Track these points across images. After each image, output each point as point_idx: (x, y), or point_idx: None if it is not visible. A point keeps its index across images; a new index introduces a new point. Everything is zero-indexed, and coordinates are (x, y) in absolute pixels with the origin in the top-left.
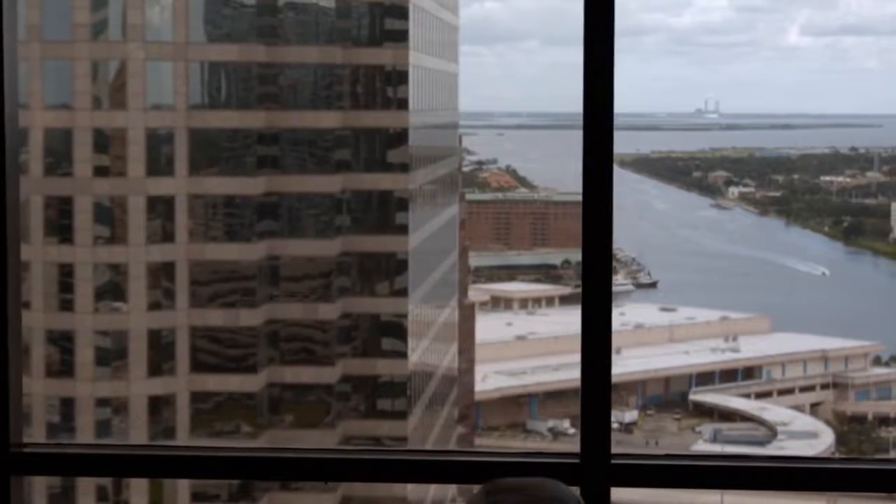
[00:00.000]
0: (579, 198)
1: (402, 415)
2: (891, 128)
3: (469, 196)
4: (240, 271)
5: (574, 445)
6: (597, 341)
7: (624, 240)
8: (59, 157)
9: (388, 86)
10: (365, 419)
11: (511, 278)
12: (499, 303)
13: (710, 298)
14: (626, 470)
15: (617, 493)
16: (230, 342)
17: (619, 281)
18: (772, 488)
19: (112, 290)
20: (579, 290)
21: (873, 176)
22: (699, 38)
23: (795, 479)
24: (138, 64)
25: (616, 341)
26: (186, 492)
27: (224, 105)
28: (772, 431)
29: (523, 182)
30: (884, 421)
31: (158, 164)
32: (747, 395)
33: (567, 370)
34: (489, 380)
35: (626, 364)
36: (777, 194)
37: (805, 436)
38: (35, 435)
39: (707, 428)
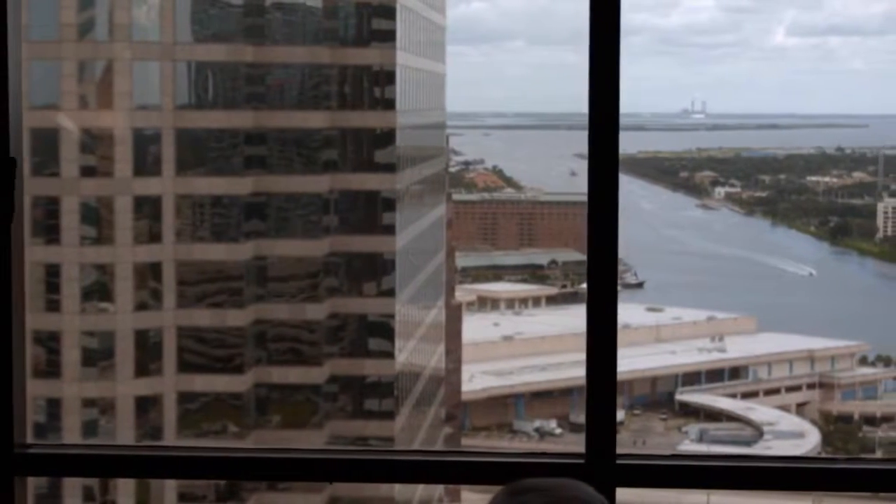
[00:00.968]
0: (566, 198)
1: (389, 415)
2: (877, 128)
3: (456, 196)
4: (227, 271)
5: (561, 445)
6: (602, 341)
7: None
8: (45, 157)
9: (376, 86)
10: (352, 419)
11: (498, 278)
12: (485, 303)
13: (697, 298)
14: (631, 470)
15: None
16: (217, 342)
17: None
18: (778, 489)
19: (99, 290)
20: (566, 290)
21: (860, 176)
22: (686, 38)
23: (797, 479)
24: (125, 64)
25: None
26: (173, 492)
27: (211, 105)
28: (758, 431)
29: (510, 182)
30: (870, 420)
31: (145, 164)
32: (734, 395)
33: (554, 370)
34: (476, 380)
35: None
36: (763, 194)
37: (791, 436)
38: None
39: (693, 428)
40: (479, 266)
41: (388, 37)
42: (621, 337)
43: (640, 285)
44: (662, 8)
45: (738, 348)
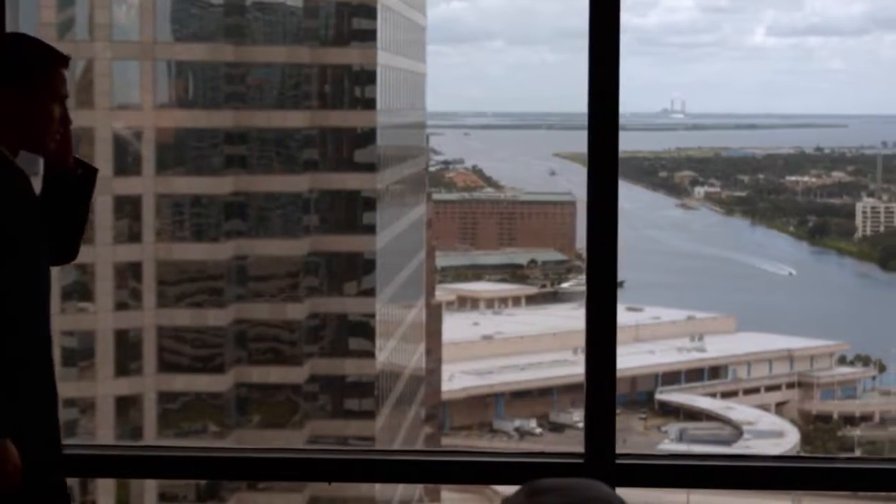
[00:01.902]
0: (545, 198)
1: (369, 414)
2: (856, 128)
3: (436, 196)
4: (207, 271)
5: (541, 445)
6: (602, 341)
7: None
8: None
9: (356, 85)
10: (332, 419)
11: (477, 278)
12: (465, 302)
13: (676, 298)
14: (630, 470)
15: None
16: (198, 342)
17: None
18: (777, 488)
19: (79, 290)
20: (546, 289)
21: (838, 175)
22: (665, 38)
23: (800, 479)
24: (105, 63)
25: (582, 340)
26: (153, 492)
27: (191, 104)
28: (737, 431)
29: (490, 182)
30: (849, 420)
31: (125, 163)
32: (713, 395)
33: (533, 370)
34: (456, 379)
35: None
36: (742, 194)
37: (770, 435)
38: None
39: (673, 427)
40: (458, 266)
41: (369, 36)
42: None
43: (619, 285)
44: (641, 8)
45: (717, 348)
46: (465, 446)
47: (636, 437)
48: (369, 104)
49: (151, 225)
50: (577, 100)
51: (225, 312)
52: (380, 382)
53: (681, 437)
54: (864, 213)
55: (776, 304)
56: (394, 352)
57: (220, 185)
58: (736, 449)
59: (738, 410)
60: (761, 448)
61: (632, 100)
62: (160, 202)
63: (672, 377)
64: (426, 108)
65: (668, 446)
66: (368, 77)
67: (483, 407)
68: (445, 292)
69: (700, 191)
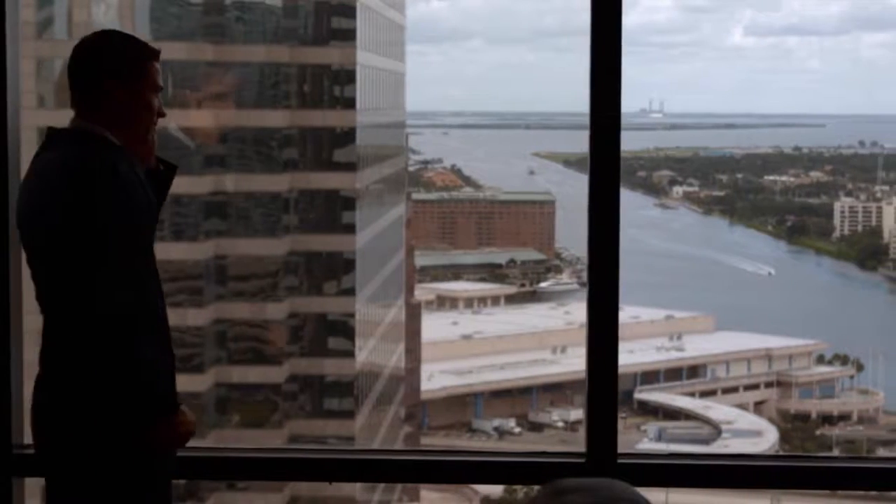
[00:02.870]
0: (524, 197)
1: (349, 414)
2: (834, 127)
3: (415, 195)
4: (186, 270)
5: (520, 444)
6: (603, 341)
7: (569, 239)
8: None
9: (336, 85)
10: (312, 419)
11: (456, 277)
12: (444, 302)
13: (655, 297)
14: (632, 469)
15: None
16: (177, 342)
17: (564, 280)
18: (781, 487)
19: None
20: (525, 289)
21: (817, 175)
22: (643, 37)
23: (802, 478)
24: None
25: (561, 340)
26: None
27: (171, 104)
28: (716, 430)
29: (468, 181)
30: (827, 419)
31: None
32: (692, 394)
33: (512, 369)
34: (435, 379)
35: (571, 363)
36: (721, 193)
37: (749, 434)
38: None
39: (652, 426)
40: (437, 265)
41: (348, 36)
42: (578, 336)
43: None
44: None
45: (696, 347)
46: (444, 446)
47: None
48: (349, 104)
49: None
50: (555, 99)
51: (204, 312)
52: (359, 382)
53: (660, 437)
54: (843, 212)
55: (755, 304)
56: (373, 351)
57: (200, 185)
58: (714, 448)
59: (717, 409)
60: (740, 447)
61: None
62: None
63: (651, 376)
64: (406, 107)
65: (648, 445)
66: (348, 76)
67: (462, 406)
68: (424, 292)
69: (678, 190)
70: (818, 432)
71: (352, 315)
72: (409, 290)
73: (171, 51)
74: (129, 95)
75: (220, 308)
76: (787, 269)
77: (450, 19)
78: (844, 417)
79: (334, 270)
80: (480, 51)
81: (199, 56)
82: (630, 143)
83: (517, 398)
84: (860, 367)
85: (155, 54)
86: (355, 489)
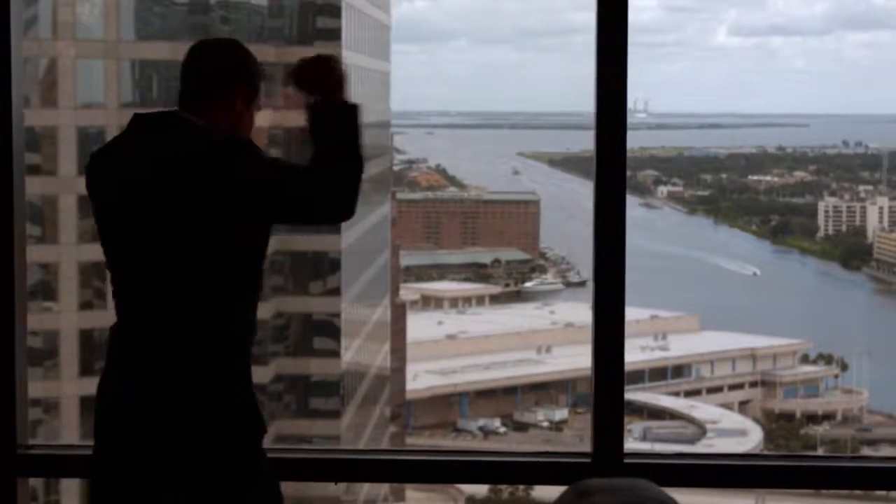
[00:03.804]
0: (509, 197)
1: (335, 414)
2: (818, 127)
3: (400, 195)
4: None
5: (504, 444)
6: (609, 341)
7: (553, 239)
8: None
9: None
10: (297, 418)
11: (441, 277)
12: (429, 302)
13: (640, 297)
14: (638, 469)
15: (548, 490)
16: None
17: (549, 280)
18: (784, 486)
19: (43, 289)
20: (509, 289)
21: (801, 175)
22: (629, 37)
23: (787, 477)
24: (69, 62)
25: (546, 339)
26: None
27: (156, 103)
28: (701, 429)
29: (453, 181)
30: (811, 418)
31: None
32: (677, 394)
33: (497, 369)
34: (420, 379)
35: (556, 363)
36: (705, 193)
37: (734, 433)
38: None
39: (637, 426)
40: (422, 265)
41: (333, 35)
42: (562, 336)
43: (582, 284)
44: None
45: (680, 347)
46: (429, 445)
47: None
48: None
49: None
50: (540, 99)
51: None
52: (345, 382)
53: (645, 436)
54: (827, 212)
55: (739, 303)
56: (359, 351)
57: None
58: (699, 448)
59: (702, 409)
60: (724, 446)
61: None
62: None
63: (636, 376)
64: (390, 106)
65: (632, 445)
66: None
67: (447, 406)
68: (409, 291)
69: (663, 190)
70: (802, 431)
71: (337, 315)
72: (395, 290)
73: (156, 51)
74: (245, 107)
75: None
76: (771, 268)
77: (434, 19)
78: (829, 416)
79: (320, 270)
80: (465, 51)
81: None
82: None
83: (502, 398)
84: (844, 367)
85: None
86: (339, 489)
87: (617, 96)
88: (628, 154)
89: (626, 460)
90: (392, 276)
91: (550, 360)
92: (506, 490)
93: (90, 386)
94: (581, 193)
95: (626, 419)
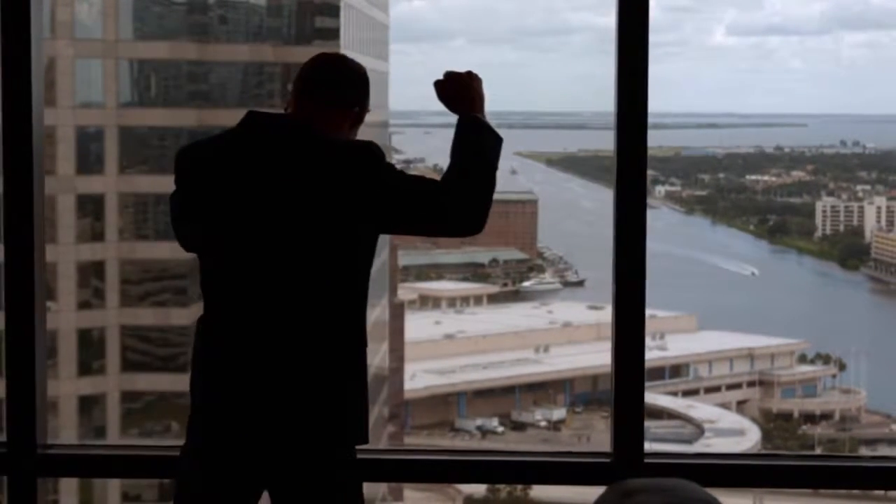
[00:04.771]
0: (506, 196)
1: None
2: (815, 127)
3: None
4: (171, 270)
5: (502, 443)
6: (630, 341)
7: (551, 238)
8: None
9: None
10: None
11: (439, 277)
12: (427, 301)
13: None
14: (659, 469)
15: (546, 490)
16: (161, 341)
17: (547, 279)
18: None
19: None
20: (507, 288)
21: (798, 175)
22: None
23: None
24: (67, 61)
25: (544, 339)
26: (117, 492)
27: (154, 103)
28: (699, 429)
29: None
30: (809, 418)
31: (88, 162)
32: (674, 393)
33: (495, 369)
34: (418, 378)
35: (554, 362)
36: (703, 193)
37: (731, 433)
38: None
39: None
40: (420, 264)
41: (332, 35)
42: (560, 335)
43: (581, 283)
44: (603, 7)
45: (678, 347)
46: (427, 445)
47: (599, 434)
48: None
49: (114, 224)
50: (538, 99)
51: (188, 311)
52: None
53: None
54: (824, 212)
55: (737, 303)
56: None
57: None
58: (697, 447)
59: (700, 409)
60: (722, 446)
61: (593, 99)
62: (123, 201)
63: None
64: (389, 106)
65: None
66: None
67: (445, 405)
68: (407, 291)
69: (661, 189)
70: (800, 431)
71: None
72: (393, 290)
73: (155, 50)
74: (354, 125)
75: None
76: (768, 268)
77: (431, 19)
78: (827, 416)
79: None
80: (463, 50)
81: (182, 55)
82: (612, 142)
83: (500, 397)
84: (842, 367)
85: None
86: None
87: (637, 97)
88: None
89: (646, 460)
90: (390, 275)
91: (548, 360)
92: (504, 490)
93: (88, 385)
94: (579, 193)
95: None
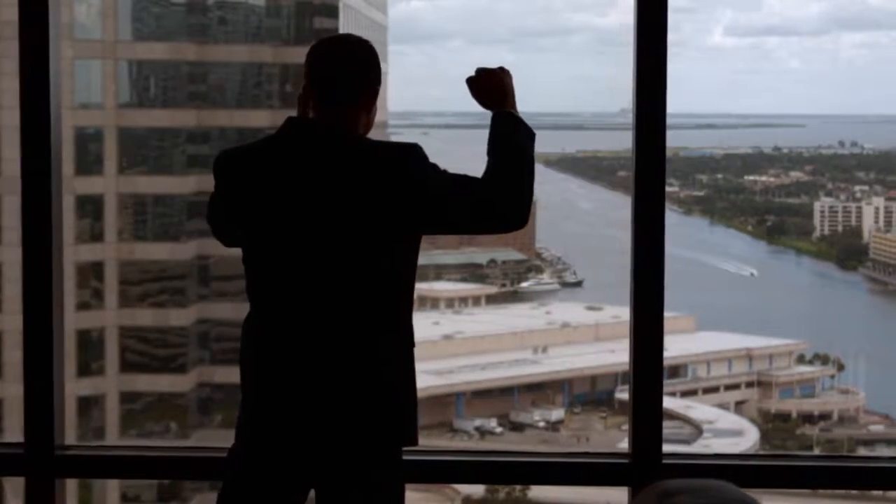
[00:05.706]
0: None
1: None
2: (813, 128)
3: None
4: (169, 271)
5: (501, 444)
6: (648, 342)
7: (549, 239)
8: None
9: None
10: None
11: (437, 277)
12: (425, 302)
13: None
14: (677, 470)
15: (545, 491)
16: (160, 342)
17: (545, 280)
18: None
19: None
20: (505, 289)
21: (796, 175)
22: (624, 37)
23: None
24: (66, 62)
25: (542, 340)
26: (116, 492)
27: (153, 104)
28: (697, 430)
29: None
30: (807, 418)
31: (87, 162)
32: (673, 394)
33: (493, 369)
34: (416, 379)
35: (552, 363)
36: (701, 193)
37: (730, 434)
38: None
39: None
40: (418, 265)
41: None
42: (559, 335)
43: (579, 284)
44: (601, 7)
45: (676, 347)
46: (426, 446)
47: (597, 435)
48: None
49: (113, 224)
50: (536, 100)
51: (187, 312)
52: None
53: None
54: (822, 212)
55: (735, 304)
56: None
57: (183, 185)
58: (696, 448)
59: (698, 409)
60: (721, 447)
61: (591, 99)
62: (122, 202)
63: None
64: (387, 107)
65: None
66: None
67: (443, 406)
68: None
69: None
70: (799, 432)
71: None
72: None
73: (153, 51)
74: (368, 107)
75: (203, 308)
76: (767, 268)
77: (430, 20)
78: (825, 417)
79: None
80: (461, 51)
81: (181, 56)
82: (610, 142)
83: (498, 398)
84: (841, 367)
85: None
86: None
87: (656, 97)
88: (624, 154)
89: (664, 461)
90: None
91: (547, 361)
92: (502, 490)
93: (87, 386)
94: (577, 194)
95: (623, 419)
